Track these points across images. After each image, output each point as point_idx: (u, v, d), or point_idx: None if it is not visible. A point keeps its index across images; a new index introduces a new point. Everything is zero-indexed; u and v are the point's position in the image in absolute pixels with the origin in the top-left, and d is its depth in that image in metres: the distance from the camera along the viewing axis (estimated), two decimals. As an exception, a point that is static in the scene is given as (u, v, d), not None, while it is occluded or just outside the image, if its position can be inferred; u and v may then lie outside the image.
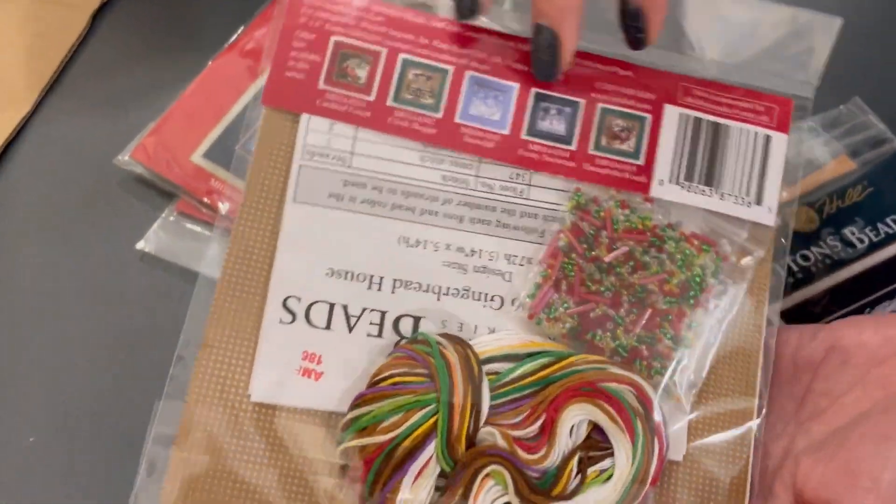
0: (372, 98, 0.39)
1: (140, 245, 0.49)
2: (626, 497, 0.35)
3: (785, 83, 0.42)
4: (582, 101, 0.40)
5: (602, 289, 0.38)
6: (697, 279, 0.38)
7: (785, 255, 0.40)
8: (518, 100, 0.39)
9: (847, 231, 0.50)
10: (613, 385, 0.36)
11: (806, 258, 0.49)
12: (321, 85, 0.39)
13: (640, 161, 0.39)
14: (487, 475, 0.35)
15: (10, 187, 0.52)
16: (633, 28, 0.38)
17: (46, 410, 0.46)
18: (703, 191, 0.39)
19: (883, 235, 0.49)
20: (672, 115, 0.40)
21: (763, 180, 0.40)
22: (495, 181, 0.39)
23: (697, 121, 0.40)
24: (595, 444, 0.36)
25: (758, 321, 0.39)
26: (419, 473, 0.35)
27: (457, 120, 0.39)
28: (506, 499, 0.35)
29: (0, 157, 0.53)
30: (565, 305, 0.38)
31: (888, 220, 0.50)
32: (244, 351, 0.36)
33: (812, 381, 0.38)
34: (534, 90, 0.40)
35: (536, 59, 0.38)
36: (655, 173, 0.39)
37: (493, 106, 0.39)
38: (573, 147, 0.39)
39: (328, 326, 0.37)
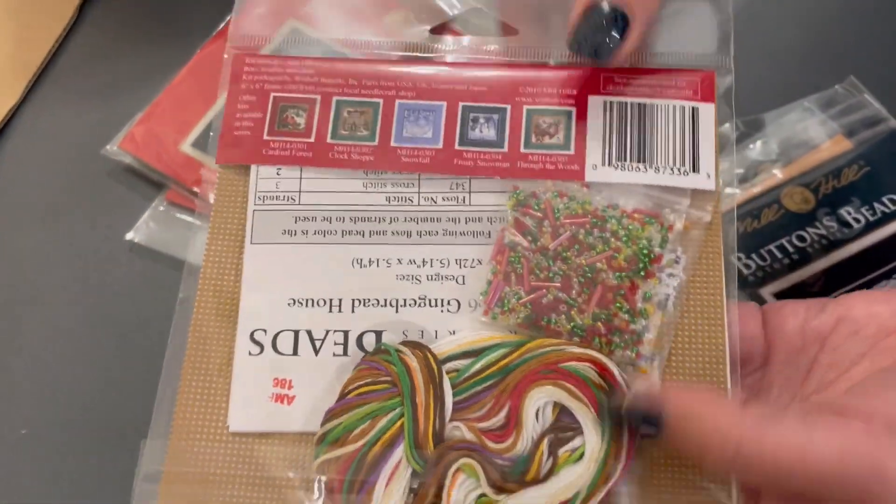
0: (312, 139, 0.42)
1: (130, 235, 0.49)
2: (601, 475, 0.35)
3: (702, 59, 0.43)
4: (508, 107, 0.42)
5: (550, 275, 0.39)
6: (644, 251, 0.38)
7: (733, 217, 0.41)
8: (447, 116, 0.42)
9: (843, 211, 0.49)
10: (573, 364, 0.36)
11: (802, 239, 0.48)
12: (265, 136, 0.42)
13: (571, 151, 0.41)
14: (458, 469, 0.35)
15: (-1, 178, 0.52)
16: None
17: (38, 402, 0.46)
18: (638, 168, 0.40)
19: (879, 215, 0.49)
20: (596, 103, 0.41)
21: (696, 149, 0.40)
22: (437, 193, 0.41)
23: (622, 104, 0.41)
24: (564, 426, 0.36)
25: (717, 285, 0.39)
26: (391, 477, 0.36)
27: (392, 144, 0.41)
28: (479, 491, 0.35)
29: (-12, 148, 0.52)
30: (517, 296, 0.38)
31: (885, 200, 0.49)
32: (220, 386, 0.39)
33: (819, 352, 0.37)
34: (461, 104, 0.42)
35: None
36: (588, 159, 0.40)
37: (425, 125, 0.42)
38: (505, 149, 0.41)
39: (295, 352, 0.39)
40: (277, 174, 0.41)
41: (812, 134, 0.52)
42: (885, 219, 0.48)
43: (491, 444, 0.36)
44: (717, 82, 0.42)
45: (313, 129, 0.42)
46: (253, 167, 0.42)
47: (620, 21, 0.37)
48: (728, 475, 0.36)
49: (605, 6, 0.37)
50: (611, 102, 0.41)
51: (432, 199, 0.41)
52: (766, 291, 0.48)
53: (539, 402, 0.36)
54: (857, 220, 0.49)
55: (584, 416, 0.36)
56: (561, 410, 0.37)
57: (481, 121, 0.42)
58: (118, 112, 0.52)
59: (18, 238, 0.51)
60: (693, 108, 0.41)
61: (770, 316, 0.39)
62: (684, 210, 0.40)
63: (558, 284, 0.38)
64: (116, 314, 0.48)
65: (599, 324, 0.38)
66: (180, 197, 0.49)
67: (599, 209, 0.40)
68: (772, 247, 0.49)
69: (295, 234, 0.41)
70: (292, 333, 0.39)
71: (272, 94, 0.43)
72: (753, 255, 0.48)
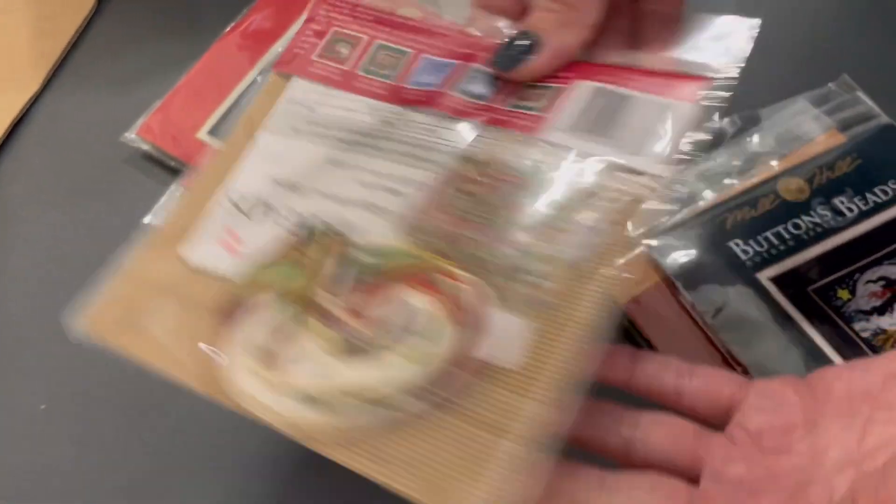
0: (346, 68, 0.49)
1: (147, 219, 0.51)
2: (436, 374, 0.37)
3: (705, 69, 0.43)
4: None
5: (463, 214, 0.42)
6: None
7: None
8: (455, 70, 0.47)
9: (837, 201, 0.52)
10: (449, 281, 0.39)
11: (797, 227, 0.51)
12: (313, 57, 0.50)
13: (543, 114, 0.44)
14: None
15: (21, 164, 0.54)
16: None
17: (57, 378, 0.47)
18: (597, 140, 0.42)
19: (871, 205, 0.51)
20: (584, 86, 0.44)
21: (661, 138, 0.41)
22: (419, 124, 0.46)
23: (604, 89, 0.44)
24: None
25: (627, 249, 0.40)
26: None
27: (403, 84, 0.48)
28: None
29: (9, 135, 0.54)
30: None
31: (876, 190, 0.52)
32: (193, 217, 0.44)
33: (872, 411, 0.37)
34: (473, 65, 0.47)
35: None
36: (553, 122, 0.43)
37: (435, 75, 0.48)
38: (487, 103, 0.45)
39: (250, 215, 0.44)
40: (309, 87, 0.49)
41: (807, 128, 0.55)
42: (877, 208, 0.51)
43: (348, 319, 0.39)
44: (710, 91, 0.42)
45: (350, 60, 0.50)
46: (294, 78, 0.50)
47: (527, 43, 0.44)
48: None
49: (512, 29, 0.45)
50: (596, 87, 0.44)
51: (414, 126, 0.46)
52: (763, 276, 0.50)
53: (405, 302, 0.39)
54: (850, 210, 0.51)
55: (438, 317, 0.38)
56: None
57: (479, 78, 0.46)
58: (136, 101, 0.54)
59: (41, 220, 0.53)
60: (669, 104, 0.42)
61: (814, 382, 0.39)
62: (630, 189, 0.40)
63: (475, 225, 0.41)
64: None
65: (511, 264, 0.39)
66: (196, 181, 0.53)
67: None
68: (769, 234, 0.51)
69: (300, 132, 0.47)
70: (256, 200, 0.45)
71: (333, 28, 0.51)
72: (751, 242, 0.51)
